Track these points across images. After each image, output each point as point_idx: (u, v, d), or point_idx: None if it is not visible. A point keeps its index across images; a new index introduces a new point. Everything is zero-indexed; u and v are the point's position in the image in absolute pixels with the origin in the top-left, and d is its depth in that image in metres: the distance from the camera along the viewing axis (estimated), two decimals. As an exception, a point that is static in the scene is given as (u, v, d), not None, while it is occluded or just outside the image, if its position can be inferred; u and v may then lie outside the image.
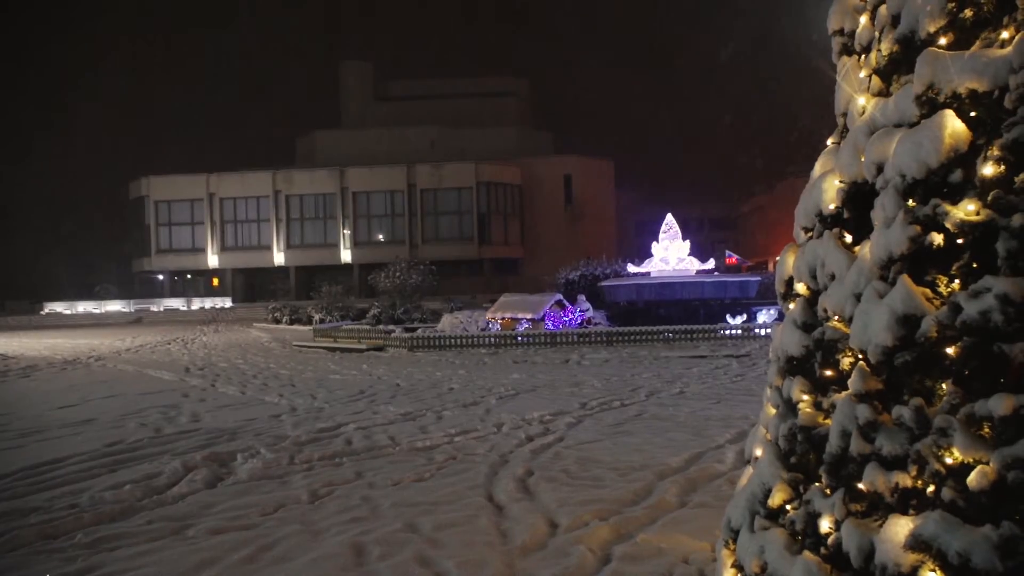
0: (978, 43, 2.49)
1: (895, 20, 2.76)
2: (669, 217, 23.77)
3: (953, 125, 2.42)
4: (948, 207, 2.39)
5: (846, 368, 2.70)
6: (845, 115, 3.20)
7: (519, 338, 19.24)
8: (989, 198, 2.32)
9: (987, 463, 2.13)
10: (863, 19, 3.05)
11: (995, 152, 2.33)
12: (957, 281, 2.36)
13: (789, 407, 2.91)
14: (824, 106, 3.53)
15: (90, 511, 5.35)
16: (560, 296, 21.79)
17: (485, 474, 6.14)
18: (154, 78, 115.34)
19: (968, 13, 2.50)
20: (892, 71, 2.84)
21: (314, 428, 8.42)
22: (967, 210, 2.35)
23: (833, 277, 2.82)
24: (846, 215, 2.90)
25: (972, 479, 2.14)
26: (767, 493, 2.88)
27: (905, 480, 2.33)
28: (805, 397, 2.85)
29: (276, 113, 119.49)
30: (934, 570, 2.14)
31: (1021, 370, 2.15)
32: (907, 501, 2.32)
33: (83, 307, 53.42)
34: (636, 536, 4.51)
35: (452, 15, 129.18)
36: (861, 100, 3.00)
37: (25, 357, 20.67)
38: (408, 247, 52.97)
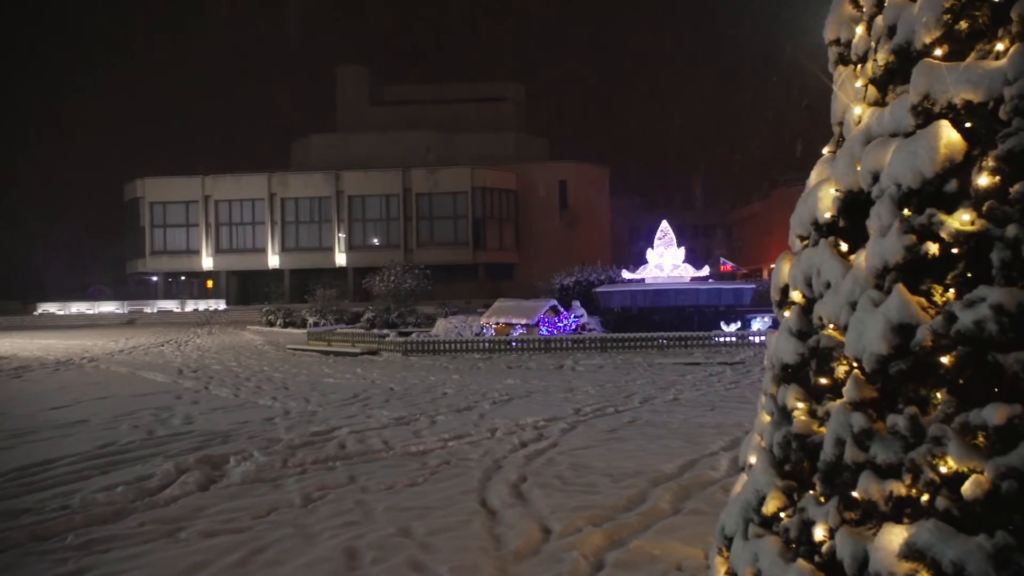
0: (973, 55, 2.50)
1: (891, 31, 2.78)
2: (664, 224, 23.77)
3: (948, 135, 2.43)
4: (943, 217, 2.40)
5: (841, 376, 2.70)
6: (841, 124, 3.21)
7: (513, 343, 19.23)
8: (984, 208, 2.33)
9: (981, 472, 2.14)
10: (859, 29, 3.07)
11: (990, 163, 2.35)
12: (952, 291, 2.37)
13: (784, 415, 2.92)
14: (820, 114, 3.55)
15: (81, 513, 5.33)
16: (555, 302, 21.79)
17: (478, 479, 6.13)
18: (150, 80, 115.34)
19: (963, 25, 2.52)
20: (888, 81, 2.86)
21: (307, 432, 8.39)
22: (962, 220, 2.36)
23: (828, 285, 2.82)
24: (842, 224, 2.91)
25: (966, 488, 2.15)
26: (761, 500, 2.89)
27: (899, 489, 2.33)
28: (800, 405, 2.85)
29: (272, 116, 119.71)
30: (927, 579, 2.14)
31: (1015, 379, 2.15)
32: (901, 510, 2.33)
33: (76, 308, 53.12)
34: (629, 542, 4.50)
35: (449, 20, 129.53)
36: (857, 109, 3.02)
37: (17, 357, 20.57)
38: (403, 251, 52.92)
